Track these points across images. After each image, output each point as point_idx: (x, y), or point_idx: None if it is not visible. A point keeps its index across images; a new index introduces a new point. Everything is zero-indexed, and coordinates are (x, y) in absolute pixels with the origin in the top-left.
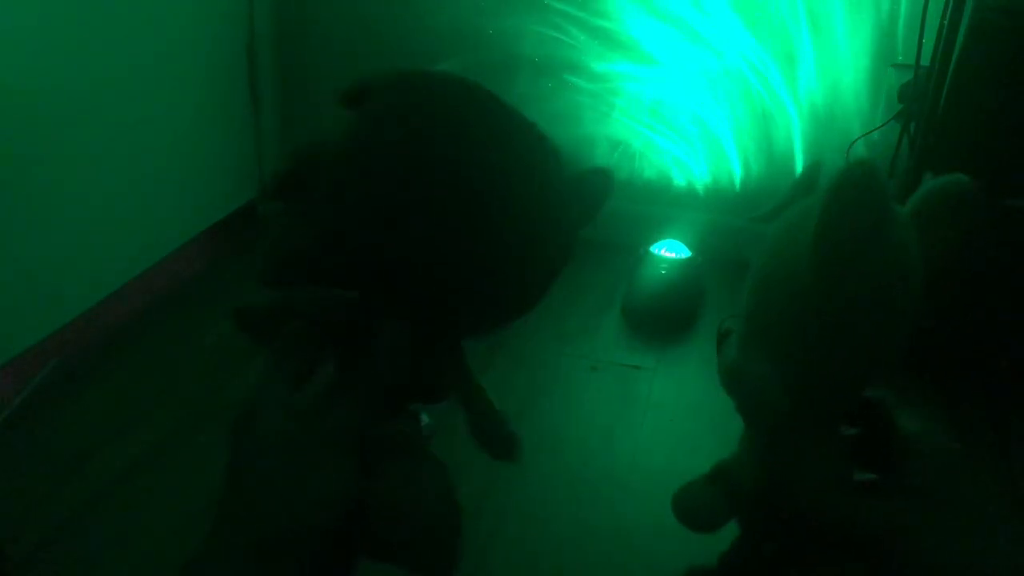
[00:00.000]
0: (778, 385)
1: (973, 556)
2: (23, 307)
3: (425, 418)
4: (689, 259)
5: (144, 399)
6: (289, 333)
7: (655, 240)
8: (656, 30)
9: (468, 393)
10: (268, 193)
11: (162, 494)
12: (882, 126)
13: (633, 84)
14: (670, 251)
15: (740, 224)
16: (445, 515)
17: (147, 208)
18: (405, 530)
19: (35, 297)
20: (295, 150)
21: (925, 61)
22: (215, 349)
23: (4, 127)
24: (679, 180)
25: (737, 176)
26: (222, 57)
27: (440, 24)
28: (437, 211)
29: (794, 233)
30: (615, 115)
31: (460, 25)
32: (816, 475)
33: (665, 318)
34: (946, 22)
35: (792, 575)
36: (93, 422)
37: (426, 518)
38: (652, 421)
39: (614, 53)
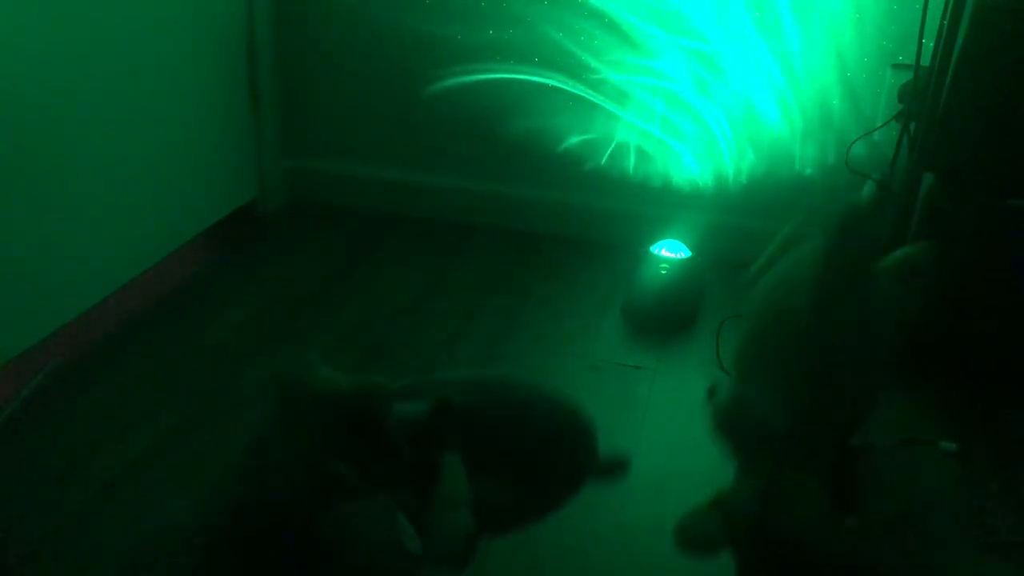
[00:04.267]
0: (780, 410)
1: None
2: (23, 307)
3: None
4: (689, 259)
5: (144, 399)
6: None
7: (655, 240)
8: (656, 30)
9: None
10: None
11: (162, 494)
12: (882, 126)
13: (633, 84)
14: (670, 251)
15: (740, 224)
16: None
17: (147, 208)
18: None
19: (35, 297)
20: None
21: (925, 61)
22: (215, 349)
23: (4, 127)
24: (679, 180)
25: (737, 176)
26: (222, 57)
27: (440, 25)
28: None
29: (790, 275)
30: (615, 115)
31: (460, 26)
32: (808, 508)
33: (665, 318)
34: (946, 22)
35: None
36: (93, 422)
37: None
38: (652, 421)
39: (614, 53)
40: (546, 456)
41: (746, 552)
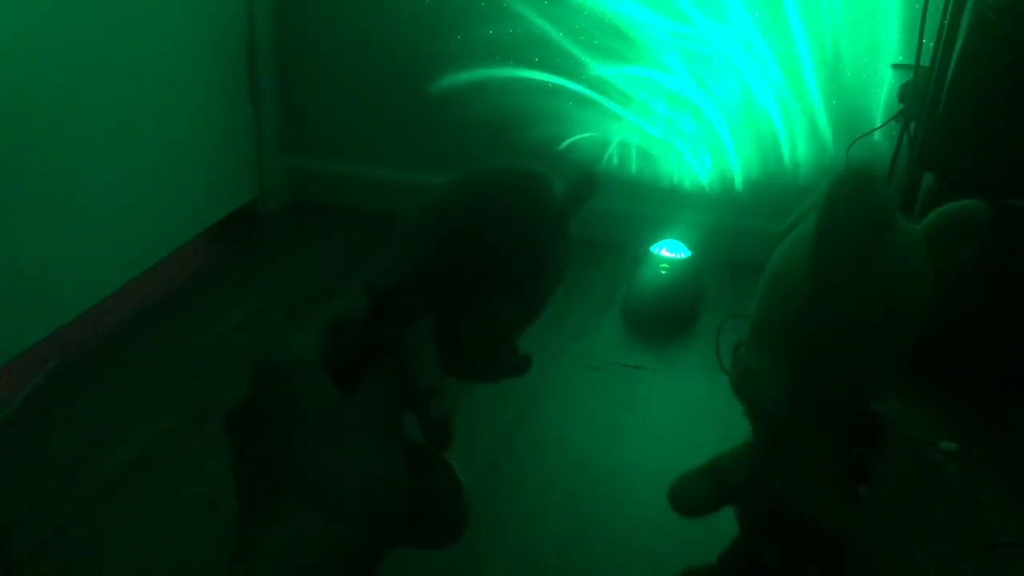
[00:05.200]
0: (779, 386)
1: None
2: (23, 307)
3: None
4: (689, 259)
5: (144, 399)
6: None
7: (655, 240)
8: (656, 30)
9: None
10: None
11: (162, 494)
12: (882, 126)
13: (634, 84)
14: (670, 251)
15: (740, 224)
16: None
17: (147, 208)
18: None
19: (35, 297)
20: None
21: (925, 61)
22: (215, 349)
23: (4, 127)
24: (679, 180)
25: (737, 176)
26: (222, 57)
27: (439, 24)
28: (465, 245)
29: (798, 242)
30: (615, 115)
31: (460, 25)
32: (809, 481)
33: (665, 318)
34: (946, 22)
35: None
36: (93, 422)
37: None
38: (652, 421)
39: (615, 53)
40: (518, 256)
41: (743, 519)
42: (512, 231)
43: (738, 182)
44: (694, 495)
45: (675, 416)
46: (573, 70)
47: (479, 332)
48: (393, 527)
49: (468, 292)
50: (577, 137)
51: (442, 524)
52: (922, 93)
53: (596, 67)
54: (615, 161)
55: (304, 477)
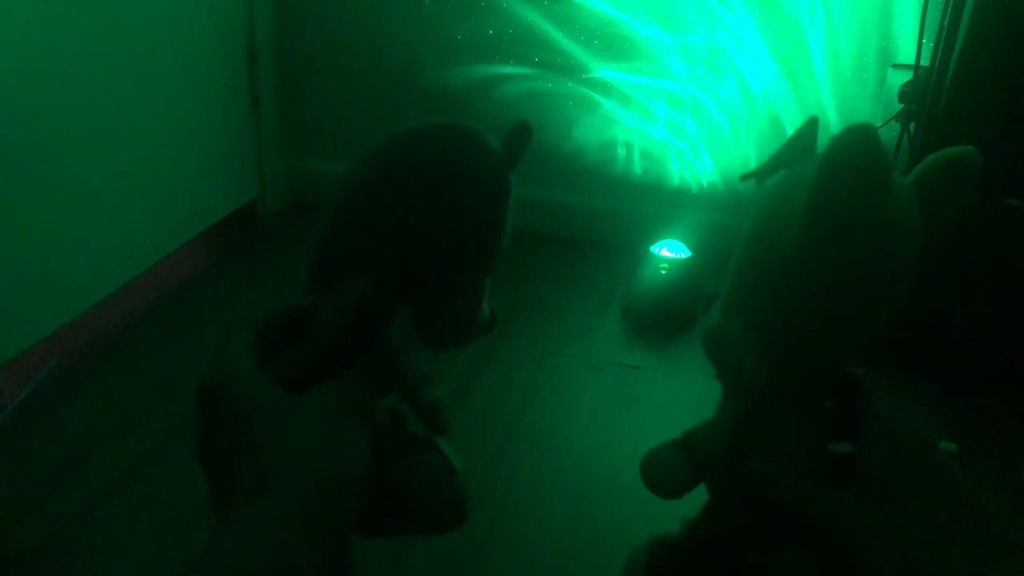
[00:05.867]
0: (756, 355)
1: (910, 558)
2: (23, 307)
3: None
4: (689, 259)
5: (144, 399)
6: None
7: (655, 240)
8: (656, 30)
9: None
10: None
11: (162, 494)
12: (882, 126)
13: (634, 84)
14: (670, 251)
15: (740, 224)
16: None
17: (147, 208)
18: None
19: (35, 297)
20: None
21: (925, 61)
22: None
23: (3, 127)
24: (679, 180)
25: (737, 176)
26: (222, 57)
27: (440, 24)
28: (395, 201)
29: (785, 199)
30: (616, 115)
31: (460, 25)
32: (784, 452)
33: (665, 318)
34: (946, 22)
35: (756, 552)
36: (93, 422)
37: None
38: (652, 421)
39: (615, 53)
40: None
41: (719, 500)
42: (464, 196)
43: (738, 182)
44: (669, 472)
45: (675, 416)
46: (574, 70)
47: (456, 309)
48: (349, 492)
49: (438, 274)
50: (578, 137)
51: (436, 506)
52: (922, 93)
53: (597, 67)
54: (617, 161)
55: (252, 472)
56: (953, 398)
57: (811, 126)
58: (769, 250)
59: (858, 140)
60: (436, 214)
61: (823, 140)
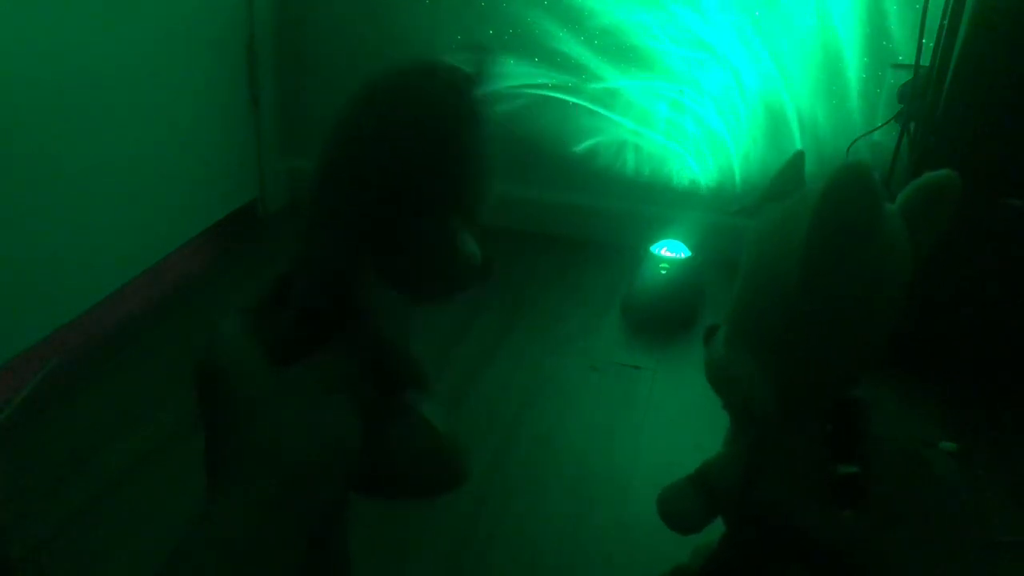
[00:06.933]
0: (766, 385)
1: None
2: (23, 307)
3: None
4: (689, 259)
5: (144, 399)
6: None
7: (655, 240)
8: (656, 31)
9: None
10: None
11: (162, 494)
12: (882, 126)
13: (633, 85)
14: (670, 251)
15: (740, 224)
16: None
17: (147, 208)
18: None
19: (35, 297)
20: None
21: (925, 61)
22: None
23: (3, 127)
24: (679, 180)
25: (737, 176)
26: (222, 57)
27: (440, 24)
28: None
29: (782, 232)
30: (616, 115)
31: (460, 25)
32: (790, 476)
33: (665, 318)
34: (946, 22)
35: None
36: (93, 422)
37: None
38: (652, 421)
39: (615, 54)
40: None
41: (734, 528)
42: (406, 138)
43: (738, 182)
44: (687, 510)
45: (675, 416)
46: (574, 71)
47: (428, 253)
48: (328, 477)
49: (400, 218)
50: (578, 137)
51: (428, 470)
52: (922, 93)
53: (597, 67)
54: (617, 161)
55: (237, 457)
56: (953, 398)
57: (797, 160)
58: (770, 283)
59: (854, 176)
60: (383, 158)
61: (824, 135)
